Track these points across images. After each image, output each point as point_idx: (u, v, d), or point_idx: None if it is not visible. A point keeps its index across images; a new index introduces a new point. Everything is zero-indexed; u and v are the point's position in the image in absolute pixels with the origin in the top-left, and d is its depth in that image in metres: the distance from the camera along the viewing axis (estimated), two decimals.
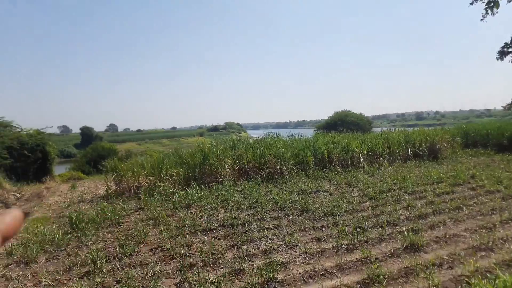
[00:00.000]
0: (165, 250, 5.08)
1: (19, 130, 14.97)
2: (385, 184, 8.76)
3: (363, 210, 6.79)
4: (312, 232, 5.64)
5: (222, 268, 4.43)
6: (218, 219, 6.50)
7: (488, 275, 3.84)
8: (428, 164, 11.96)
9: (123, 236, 5.82)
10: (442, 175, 9.60)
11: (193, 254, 4.92)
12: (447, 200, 7.18)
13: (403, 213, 6.40)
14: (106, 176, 10.30)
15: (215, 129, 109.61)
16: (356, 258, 4.54)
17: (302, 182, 9.62)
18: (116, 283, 4.12)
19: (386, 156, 12.80)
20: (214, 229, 5.97)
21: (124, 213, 7.28)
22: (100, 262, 4.63)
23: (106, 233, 6.10)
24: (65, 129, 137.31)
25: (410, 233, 5.18)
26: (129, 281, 4.03)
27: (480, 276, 3.77)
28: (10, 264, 4.88)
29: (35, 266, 4.76)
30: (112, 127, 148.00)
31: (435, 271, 4.07)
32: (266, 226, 5.96)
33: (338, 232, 5.49)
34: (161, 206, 7.67)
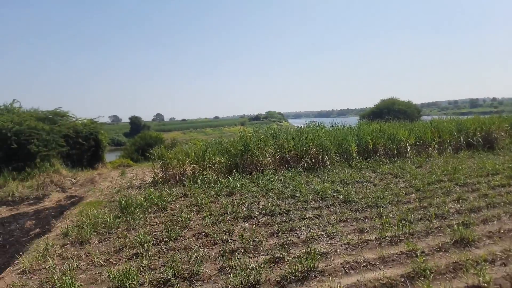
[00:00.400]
0: (207, 236, 5.24)
1: (74, 119, 16.02)
2: (434, 175, 8.34)
3: (409, 202, 6.53)
4: (354, 223, 5.53)
5: (262, 255, 4.49)
6: (259, 207, 6.57)
7: None
8: (482, 155, 11.19)
9: (168, 221, 6.09)
10: (498, 166, 8.95)
11: (234, 240, 5.03)
12: (503, 193, 6.69)
13: (453, 206, 6.07)
14: (153, 164, 10.77)
15: (256, 118, 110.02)
16: (401, 251, 4.40)
17: (345, 172, 9.42)
18: (162, 265, 4.32)
19: (436, 146, 12.15)
20: (255, 216, 6.05)
21: (169, 199, 7.59)
22: (147, 245, 4.89)
23: (153, 218, 6.40)
24: (115, 119, 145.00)
25: (460, 227, 4.92)
26: (174, 264, 4.21)
27: None
28: (66, 244, 5.29)
29: (88, 247, 5.12)
30: (158, 117, 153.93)
31: (487, 267, 3.84)
32: (307, 216, 5.93)
33: (382, 223, 5.34)
34: (204, 193, 7.89)
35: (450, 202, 6.32)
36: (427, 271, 3.78)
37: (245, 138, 10.82)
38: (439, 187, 7.35)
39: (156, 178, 10.12)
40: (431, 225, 5.20)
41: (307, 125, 13.93)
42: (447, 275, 3.78)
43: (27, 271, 4.38)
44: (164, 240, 5.16)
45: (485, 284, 3.51)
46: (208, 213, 6.27)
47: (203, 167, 10.08)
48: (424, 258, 4.11)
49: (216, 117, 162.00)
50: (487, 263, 3.97)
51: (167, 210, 6.84)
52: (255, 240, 4.93)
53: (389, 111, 26.87)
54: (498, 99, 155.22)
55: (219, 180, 8.89)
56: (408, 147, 11.62)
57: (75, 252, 4.93)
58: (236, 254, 4.54)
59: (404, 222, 5.34)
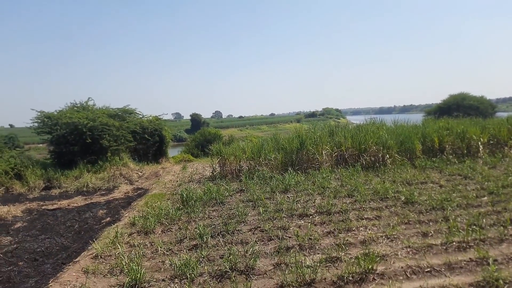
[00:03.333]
0: (263, 231, 5.31)
1: (140, 116, 17.13)
2: (510, 177, 7.57)
3: (481, 205, 6.00)
4: (417, 225, 5.23)
5: (318, 253, 4.44)
6: (315, 205, 6.50)
7: None
8: None
9: (226, 214, 6.28)
10: None
11: (289, 237, 5.04)
12: None
13: None
14: (212, 159, 11.16)
15: (312, 115, 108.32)
16: (470, 258, 4.07)
17: (407, 171, 8.92)
18: (220, 257, 4.47)
19: None
20: (311, 214, 5.99)
21: (227, 193, 7.82)
22: (206, 237, 5.08)
23: (211, 211, 6.65)
24: (177, 116, 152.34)
25: None
26: (231, 257, 4.32)
27: None
28: (133, 233, 5.71)
29: (153, 236, 5.47)
30: (217, 114, 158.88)
31: None
32: (365, 216, 5.73)
33: (449, 228, 4.98)
34: (260, 189, 8.00)
35: None
36: (500, 281, 3.46)
37: (300, 135, 10.76)
38: None
39: (214, 173, 10.49)
40: (506, 231, 4.75)
41: (367, 122, 13.42)
42: None
43: (99, 256, 4.80)
44: (222, 233, 5.34)
45: None
46: (263, 209, 6.34)
47: (258, 163, 10.22)
48: (496, 267, 3.76)
49: (272, 114, 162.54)
50: None
51: (225, 204, 7.06)
52: (310, 238, 4.89)
53: (459, 107, 24.84)
54: None
55: (274, 176, 8.95)
56: (480, 146, 10.67)
57: (141, 241, 5.29)
58: (291, 251, 4.54)
59: (474, 227, 4.94)
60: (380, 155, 10.01)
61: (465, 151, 10.74)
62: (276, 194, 7.44)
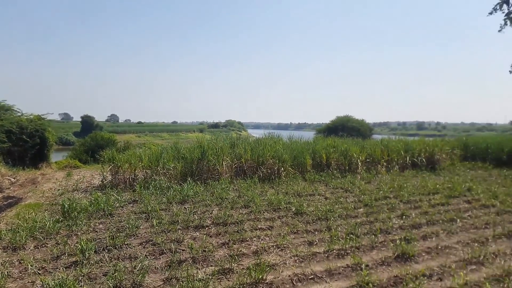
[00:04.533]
0: (155, 245, 5.05)
1: (19, 114, 14.92)
2: (381, 192, 8.74)
3: (357, 216, 6.77)
4: (304, 235, 5.62)
5: (211, 266, 4.40)
6: (212, 216, 6.47)
7: None
8: (425, 174, 11.93)
9: (114, 227, 5.80)
10: (438, 186, 9.57)
11: (183, 250, 4.90)
12: (442, 211, 7.15)
13: (396, 222, 6.38)
14: (102, 166, 10.24)
15: (215, 126, 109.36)
16: (347, 264, 4.52)
17: (299, 184, 9.60)
18: (103, 275, 4.08)
19: (384, 163, 12.78)
20: (207, 226, 5.94)
21: (117, 204, 7.25)
22: (88, 253, 4.60)
23: (97, 224, 6.06)
24: (66, 116, 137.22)
25: (402, 242, 5.18)
26: (116, 273, 3.99)
27: None
28: None
29: (22, 253, 4.73)
30: (113, 118, 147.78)
31: (425, 281, 4.06)
32: (259, 226, 5.94)
33: (331, 236, 5.47)
34: (155, 199, 7.64)
35: (394, 217, 6.64)
36: (370, 284, 3.91)
37: (202, 145, 10.69)
38: (385, 203, 7.71)
39: (104, 182, 9.64)
40: (376, 239, 5.42)
41: (266, 136, 14.06)
42: None
43: None
44: (108, 248, 4.90)
45: None
46: (157, 221, 6.05)
47: (156, 172, 9.78)
48: (368, 272, 4.26)
49: (175, 122, 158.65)
50: (425, 277, 4.19)
51: (114, 216, 6.51)
52: (204, 250, 4.84)
53: (344, 127, 27.84)
54: (442, 123, 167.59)
55: (172, 187, 8.67)
56: (359, 163, 12.11)
57: (7, 258, 4.52)
58: (184, 264, 4.41)
59: (351, 235, 5.52)
60: (276, 168, 10.56)
61: (347, 167, 12.06)
62: (172, 205, 7.20)
